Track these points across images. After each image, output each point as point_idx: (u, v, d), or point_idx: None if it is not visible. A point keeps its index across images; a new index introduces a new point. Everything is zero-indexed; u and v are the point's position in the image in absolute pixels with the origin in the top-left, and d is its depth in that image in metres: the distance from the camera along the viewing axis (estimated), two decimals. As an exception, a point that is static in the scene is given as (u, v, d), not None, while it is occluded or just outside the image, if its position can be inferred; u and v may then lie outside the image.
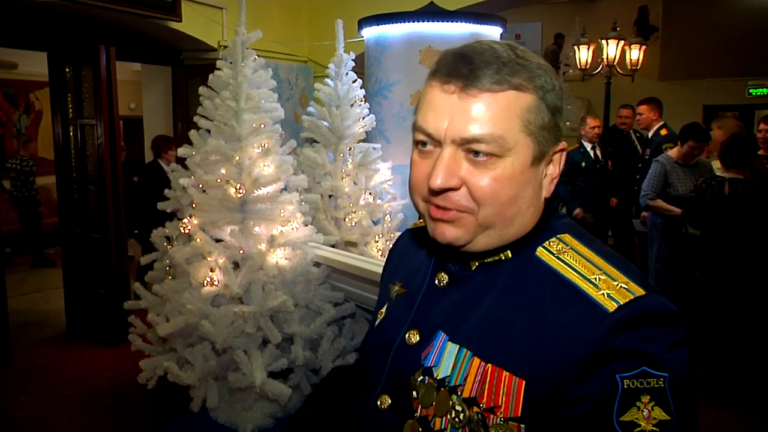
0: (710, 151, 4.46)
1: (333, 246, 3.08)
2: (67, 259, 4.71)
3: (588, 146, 5.42)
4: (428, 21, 3.43)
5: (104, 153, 4.31)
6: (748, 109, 8.64)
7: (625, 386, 0.66)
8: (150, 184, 4.73)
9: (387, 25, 3.52)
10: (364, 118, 3.39)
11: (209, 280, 2.58)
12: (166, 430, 2.85)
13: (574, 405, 0.68)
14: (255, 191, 2.65)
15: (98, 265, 4.44)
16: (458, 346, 0.78)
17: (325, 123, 3.34)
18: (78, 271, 4.62)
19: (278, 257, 2.68)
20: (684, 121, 4.29)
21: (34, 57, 5.51)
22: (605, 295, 0.70)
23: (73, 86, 4.45)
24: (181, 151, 2.86)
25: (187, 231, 2.73)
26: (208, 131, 2.80)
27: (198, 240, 2.67)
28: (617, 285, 0.71)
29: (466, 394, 0.74)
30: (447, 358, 0.78)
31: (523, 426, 0.71)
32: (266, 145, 2.72)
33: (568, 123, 7.21)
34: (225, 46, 4.98)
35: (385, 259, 1.06)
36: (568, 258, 0.77)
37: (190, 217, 2.74)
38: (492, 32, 3.59)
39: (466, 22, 3.46)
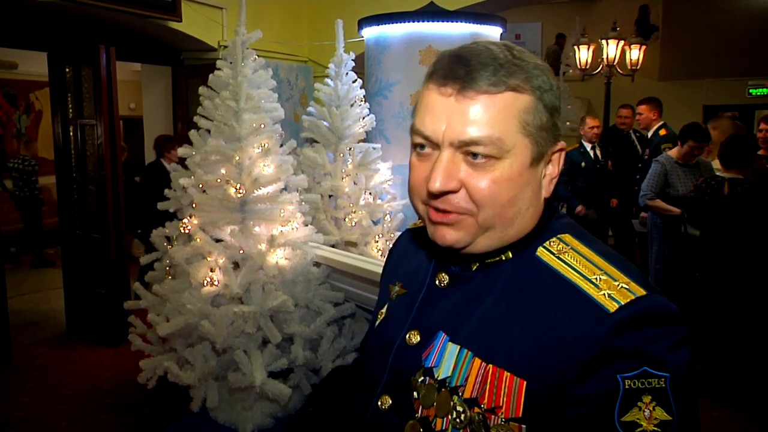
0: (709, 151, 4.47)
1: (333, 246, 3.08)
2: (67, 259, 4.71)
3: (588, 146, 5.42)
4: (428, 21, 3.43)
5: (104, 153, 4.31)
6: (748, 109, 8.64)
7: (627, 386, 0.66)
8: (153, 184, 4.73)
9: (387, 25, 3.52)
10: (364, 118, 3.39)
11: (209, 280, 2.58)
12: (166, 430, 2.85)
13: (576, 405, 0.68)
14: (255, 191, 2.65)
15: (98, 265, 4.44)
16: (459, 346, 0.78)
17: (325, 123, 3.34)
18: (78, 271, 4.62)
19: (278, 257, 2.68)
20: (684, 121, 4.30)
21: (34, 57, 5.51)
22: (606, 295, 0.70)
23: (73, 86, 4.45)
24: (181, 151, 2.86)
25: (187, 231, 2.73)
26: (208, 131, 2.80)
27: (198, 240, 2.67)
28: (618, 285, 0.71)
29: (467, 395, 0.74)
30: (448, 358, 0.78)
31: (524, 426, 0.71)
32: (266, 145, 2.72)
33: (568, 123, 7.21)
34: (225, 46, 4.98)
35: (385, 259, 1.06)
36: (569, 258, 0.77)
37: (190, 217, 2.74)
38: (492, 32, 3.59)
39: (466, 22, 3.46)
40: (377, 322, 0.95)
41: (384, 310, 0.94)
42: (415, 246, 0.97)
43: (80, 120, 4.46)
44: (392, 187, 3.45)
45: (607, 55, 6.02)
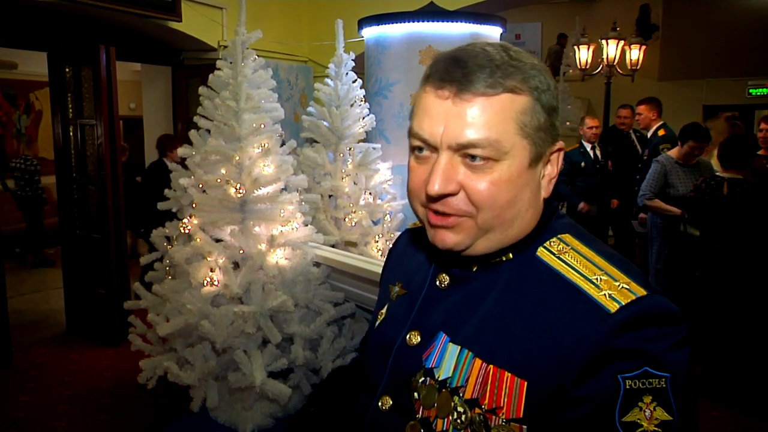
0: (707, 151, 4.47)
1: (333, 246, 3.08)
2: (67, 259, 4.71)
3: (588, 146, 5.42)
4: (428, 21, 3.43)
5: (104, 153, 4.31)
6: (748, 109, 8.64)
7: (627, 387, 0.66)
8: (156, 183, 4.73)
9: (387, 25, 3.52)
10: (364, 118, 3.39)
11: (209, 280, 2.58)
12: (166, 430, 2.85)
13: (576, 406, 0.68)
14: (255, 191, 2.65)
15: (98, 265, 4.44)
16: (459, 347, 0.77)
17: (325, 123, 3.34)
18: (78, 271, 4.62)
19: (278, 257, 2.68)
20: (684, 121, 4.30)
21: (34, 57, 5.51)
22: (606, 295, 0.70)
23: (73, 86, 4.45)
24: (181, 151, 2.86)
25: (187, 231, 2.73)
26: (208, 131, 2.80)
27: (198, 240, 2.67)
28: (618, 285, 0.71)
29: (467, 396, 0.74)
30: (448, 359, 0.78)
31: (525, 427, 0.71)
32: (266, 145, 2.71)
33: (568, 123, 7.21)
34: (225, 46, 4.98)
35: (384, 260, 1.06)
36: (569, 258, 0.77)
37: (190, 217, 2.74)
38: (492, 32, 3.59)
39: (466, 22, 3.46)
40: (377, 323, 0.95)
41: (384, 311, 0.94)
42: (415, 246, 0.97)
43: (80, 120, 4.45)
44: (392, 187, 3.45)
45: (607, 55, 6.02)
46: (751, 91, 8.61)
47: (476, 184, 0.73)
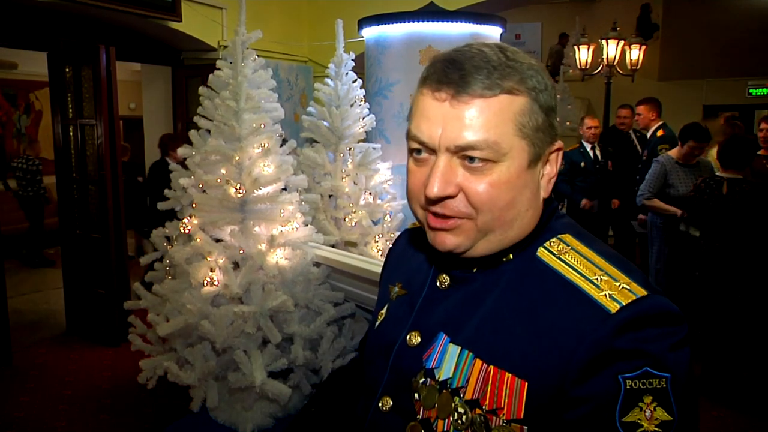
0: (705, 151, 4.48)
1: (333, 246, 3.08)
2: (67, 259, 4.71)
3: (587, 146, 5.42)
4: (428, 21, 3.43)
5: (104, 153, 4.31)
6: (748, 109, 8.65)
7: (628, 387, 0.66)
8: (159, 182, 4.74)
9: (387, 25, 3.51)
10: (364, 118, 3.39)
11: (209, 280, 2.58)
12: (166, 430, 2.84)
13: (577, 406, 0.68)
14: (255, 191, 2.65)
15: (98, 265, 4.44)
16: (460, 347, 0.77)
17: (325, 123, 3.33)
18: (78, 271, 4.62)
19: (278, 257, 2.68)
20: (684, 121, 4.30)
21: (34, 57, 5.51)
22: (607, 296, 0.70)
23: (73, 86, 4.45)
24: (181, 151, 2.86)
25: (187, 231, 2.73)
26: (208, 131, 2.80)
27: (198, 240, 2.67)
28: (619, 285, 0.71)
29: (468, 396, 0.74)
30: (449, 359, 0.78)
31: (525, 428, 0.71)
32: (266, 145, 2.71)
33: (568, 123, 7.21)
34: (225, 46, 4.98)
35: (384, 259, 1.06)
36: (569, 258, 0.77)
37: (190, 217, 2.74)
38: (492, 32, 3.59)
39: (466, 22, 3.46)
40: (377, 323, 0.95)
41: (384, 311, 0.94)
42: (414, 246, 0.97)
43: (80, 120, 4.45)
44: (392, 187, 3.45)
45: (607, 55, 6.02)
46: (751, 91, 8.62)
47: (475, 186, 0.73)
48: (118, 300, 4.03)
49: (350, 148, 3.32)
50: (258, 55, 2.83)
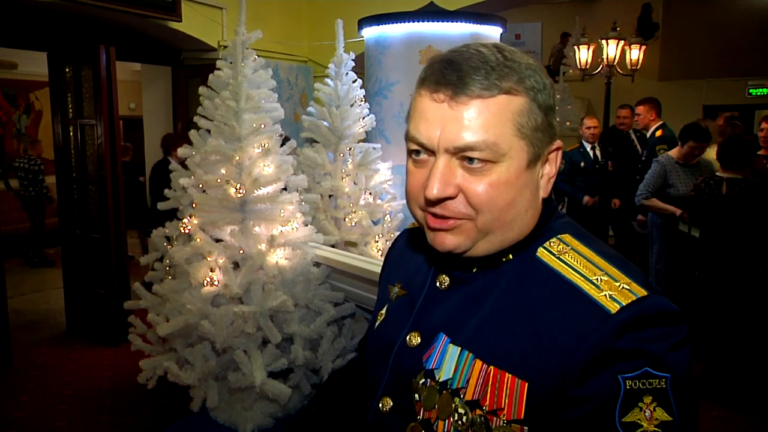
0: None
1: (333, 246, 3.08)
2: (67, 259, 4.71)
3: (587, 146, 5.42)
4: (428, 21, 3.43)
5: (104, 153, 4.31)
6: (748, 109, 8.64)
7: (628, 387, 0.66)
8: (162, 182, 4.74)
9: (387, 25, 3.52)
10: (364, 118, 3.39)
11: (209, 280, 2.58)
12: (166, 430, 2.84)
13: (577, 406, 0.68)
14: (255, 191, 2.65)
15: (98, 265, 4.44)
16: (460, 348, 0.77)
17: (325, 123, 3.33)
18: (78, 271, 4.62)
19: (278, 257, 2.68)
20: (684, 122, 4.30)
21: (34, 57, 5.51)
22: (607, 296, 0.70)
23: (73, 86, 4.45)
24: (181, 151, 2.86)
25: (187, 231, 2.73)
26: (208, 131, 2.80)
27: (198, 240, 2.67)
28: (619, 286, 0.71)
29: (468, 397, 0.74)
30: (449, 360, 0.78)
31: (526, 428, 0.71)
32: (266, 145, 2.71)
33: (568, 123, 7.20)
34: (225, 46, 4.99)
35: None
36: (569, 259, 0.77)
37: (190, 217, 2.74)
38: (492, 32, 3.59)
39: (466, 22, 3.46)
40: (377, 323, 0.94)
41: (383, 311, 0.94)
42: (414, 247, 0.97)
43: (80, 120, 4.45)
44: (392, 187, 3.45)
45: (607, 55, 6.01)
46: (751, 91, 8.62)
47: (475, 186, 0.73)
48: (118, 300, 4.03)
49: (350, 148, 3.32)
50: (258, 55, 2.83)
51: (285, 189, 2.83)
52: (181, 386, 2.67)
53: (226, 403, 2.76)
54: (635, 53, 6.18)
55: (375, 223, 3.33)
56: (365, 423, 0.88)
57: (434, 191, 0.73)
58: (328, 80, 3.40)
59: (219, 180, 2.68)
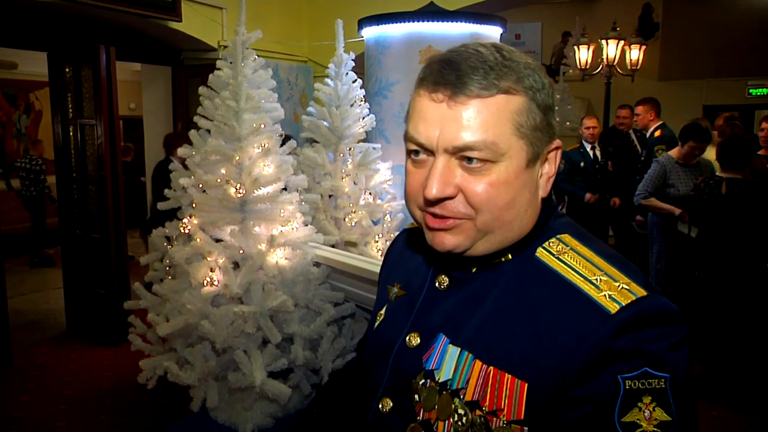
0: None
1: (333, 246, 3.08)
2: (67, 259, 4.71)
3: (587, 146, 5.42)
4: (428, 21, 3.43)
5: (104, 153, 4.31)
6: (748, 109, 8.64)
7: (627, 387, 0.66)
8: (165, 181, 4.74)
9: (387, 25, 3.51)
10: (364, 118, 3.39)
11: (209, 280, 2.58)
12: (166, 430, 2.85)
13: (577, 406, 0.68)
14: (255, 191, 2.65)
15: (98, 265, 4.44)
16: (459, 348, 0.77)
17: (325, 123, 3.33)
18: (78, 271, 4.62)
19: (278, 257, 2.68)
20: (684, 122, 4.30)
21: (34, 57, 5.51)
22: (607, 296, 0.70)
23: (73, 86, 4.45)
24: (181, 151, 2.86)
25: (187, 231, 2.73)
26: (208, 131, 2.80)
27: (198, 240, 2.67)
28: (618, 286, 0.71)
29: (468, 398, 0.74)
30: (448, 361, 0.78)
31: (526, 429, 0.71)
32: (266, 145, 2.71)
33: (568, 123, 7.20)
34: (225, 46, 4.99)
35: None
36: (569, 259, 0.76)
37: (190, 217, 2.74)
38: (492, 32, 3.59)
39: (466, 22, 3.46)
40: (376, 324, 0.94)
41: (383, 312, 0.94)
42: (413, 247, 0.97)
43: (80, 120, 4.45)
44: (392, 187, 3.45)
45: (607, 55, 6.01)
46: (751, 91, 8.62)
47: (474, 186, 0.73)
48: (118, 300, 4.03)
49: (350, 148, 3.32)
50: (258, 55, 2.83)
51: (285, 189, 2.83)
52: (181, 386, 2.67)
53: (226, 403, 2.76)
54: (635, 53, 6.18)
55: (375, 223, 3.33)
56: (365, 423, 0.88)
57: (433, 191, 0.73)
58: (328, 80, 3.40)
59: (219, 180, 2.68)
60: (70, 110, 4.50)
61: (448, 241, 0.77)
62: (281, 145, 2.84)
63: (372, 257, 3.06)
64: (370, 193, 3.33)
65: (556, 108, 0.81)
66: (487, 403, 0.73)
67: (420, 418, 0.79)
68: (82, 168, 4.51)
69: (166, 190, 3.00)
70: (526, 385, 0.70)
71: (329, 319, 2.73)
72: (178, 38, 5.21)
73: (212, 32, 5.28)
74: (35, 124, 8.47)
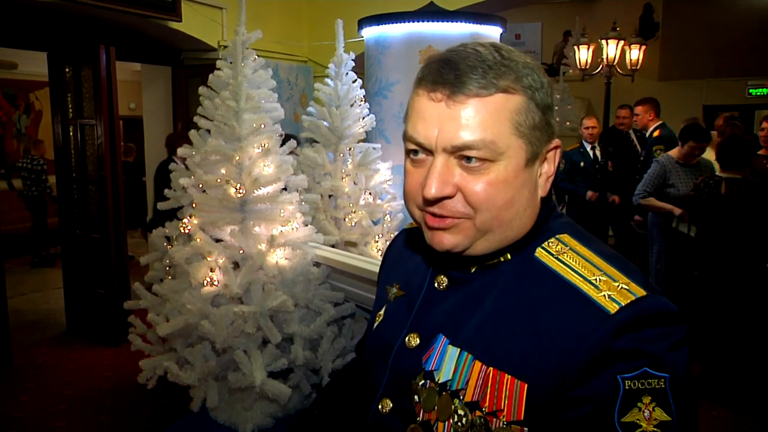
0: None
1: (333, 246, 3.08)
2: (67, 259, 4.71)
3: (587, 146, 5.42)
4: (428, 21, 3.43)
5: (104, 153, 4.31)
6: (748, 109, 8.64)
7: (627, 387, 0.66)
8: (166, 182, 4.74)
9: (387, 25, 3.52)
10: (364, 118, 3.39)
11: (209, 280, 2.58)
12: (166, 430, 2.85)
13: (576, 406, 0.68)
14: (255, 191, 2.65)
15: (98, 265, 4.44)
16: (459, 349, 0.77)
17: (325, 123, 3.33)
18: (78, 271, 4.62)
19: (278, 257, 2.68)
20: (683, 122, 4.30)
21: (34, 57, 5.51)
22: (606, 296, 0.70)
23: (73, 86, 4.45)
24: (181, 151, 2.87)
25: (187, 231, 2.73)
26: (208, 131, 2.80)
27: (198, 240, 2.67)
28: (618, 286, 0.71)
29: (468, 398, 0.74)
30: (448, 361, 0.77)
31: (526, 429, 0.71)
32: (266, 145, 2.71)
33: (568, 123, 7.20)
34: (225, 46, 4.99)
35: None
36: (568, 259, 0.76)
37: (190, 217, 2.74)
38: (492, 32, 3.59)
39: (466, 22, 3.46)
40: (375, 324, 0.94)
41: (382, 312, 0.94)
42: (412, 247, 0.97)
43: (80, 120, 4.45)
44: (392, 187, 3.45)
45: (607, 55, 6.01)
46: (751, 91, 8.62)
47: (473, 185, 0.73)
48: (118, 300, 4.03)
49: (350, 148, 3.32)
50: (258, 55, 2.83)
51: (285, 189, 2.84)
52: (181, 386, 2.67)
53: (226, 403, 2.76)
54: (635, 53, 6.18)
55: (375, 223, 3.33)
56: (365, 424, 0.88)
57: (432, 190, 0.73)
58: (328, 80, 3.40)
59: (219, 180, 2.68)
60: (70, 110, 4.50)
61: (447, 240, 0.76)
62: (281, 145, 2.84)
63: (372, 257, 3.06)
64: (370, 193, 3.33)
65: (556, 108, 0.81)
66: (486, 403, 0.73)
67: (420, 418, 0.79)
68: (82, 168, 4.51)
69: (166, 190, 3.00)
70: (526, 385, 0.70)
71: (329, 319, 2.73)
72: (178, 38, 5.21)
73: (212, 32, 5.28)
74: (35, 124, 8.47)
